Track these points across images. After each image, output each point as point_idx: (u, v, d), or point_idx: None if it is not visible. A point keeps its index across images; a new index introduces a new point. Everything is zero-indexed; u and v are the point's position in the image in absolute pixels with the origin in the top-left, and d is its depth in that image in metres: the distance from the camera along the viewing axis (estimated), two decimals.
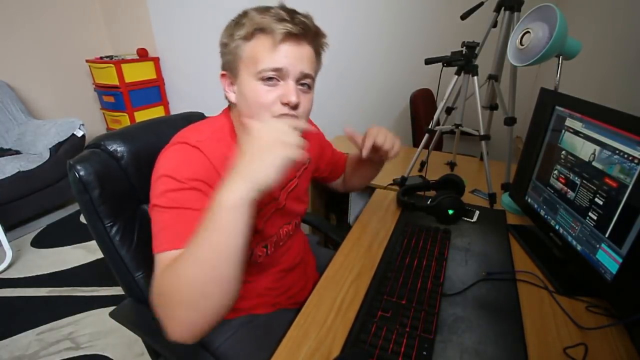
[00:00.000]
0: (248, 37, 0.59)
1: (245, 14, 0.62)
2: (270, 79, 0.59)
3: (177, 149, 0.61)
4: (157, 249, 0.53)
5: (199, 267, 0.46)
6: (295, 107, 0.60)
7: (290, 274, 0.83)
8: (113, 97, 2.74)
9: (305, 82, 0.63)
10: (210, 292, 0.47)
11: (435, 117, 1.15)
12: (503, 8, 1.09)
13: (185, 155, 0.60)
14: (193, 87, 2.92)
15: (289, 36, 0.58)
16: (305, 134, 0.70)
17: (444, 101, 1.14)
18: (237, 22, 0.62)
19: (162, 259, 0.51)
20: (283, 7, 0.61)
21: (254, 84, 0.60)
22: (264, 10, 0.60)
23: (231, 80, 0.65)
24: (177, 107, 3.10)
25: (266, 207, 0.73)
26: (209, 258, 0.46)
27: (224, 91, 0.67)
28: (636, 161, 0.57)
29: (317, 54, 0.65)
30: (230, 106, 0.70)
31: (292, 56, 0.59)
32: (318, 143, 0.90)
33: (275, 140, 0.48)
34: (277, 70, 0.59)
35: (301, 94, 0.62)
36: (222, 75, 0.66)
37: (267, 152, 0.47)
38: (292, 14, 0.60)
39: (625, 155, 0.60)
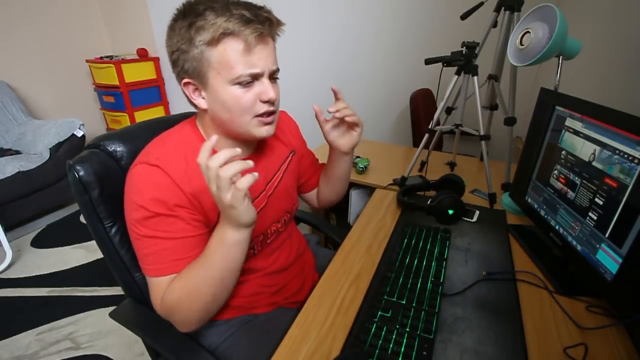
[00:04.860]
0: (214, 43, 0.56)
1: (197, 13, 0.56)
2: (247, 82, 0.60)
3: (139, 171, 0.61)
4: (151, 272, 0.62)
5: (211, 284, 0.59)
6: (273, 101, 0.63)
7: (284, 273, 0.82)
8: (113, 97, 2.74)
9: (275, 76, 0.65)
10: (220, 298, 0.63)
11: (435, 117, 1.15)
12: (503, 8, 1.09)
13: (146, 178, 0.60)
14: None
15: (260, 38, 0.58)
16: (278, 124, 0.71)
17: (444, 101, 1.14)
18: (191, 23, 0.56)
19: (159, 282, 0.61)
20: (241, 4, 0.58)
21: (232, 90, 0.60)
22: (224, 10, 0.56)
23: (196, 87, 0.62)
24: (177, 107, 3.09)
25: None
26: (219, 277, 0.59)
27: (190, 99, 0.64)
28: (636, 161, 0.57)
29: (274, 42, 0.65)
30: (198, 113, 0.69)
31: (264, 57, 0.60)
32: (295, 133, 0.89)
33: (220, 194, 0.51)
34: (254, 75, 0.60)
35: (274, 87, 0.64)
36: (186, 83, 0.62)
37: (228, 208, 0.53)
38: (254, 11, 0.58)
39: (625, 155, 0.60)
